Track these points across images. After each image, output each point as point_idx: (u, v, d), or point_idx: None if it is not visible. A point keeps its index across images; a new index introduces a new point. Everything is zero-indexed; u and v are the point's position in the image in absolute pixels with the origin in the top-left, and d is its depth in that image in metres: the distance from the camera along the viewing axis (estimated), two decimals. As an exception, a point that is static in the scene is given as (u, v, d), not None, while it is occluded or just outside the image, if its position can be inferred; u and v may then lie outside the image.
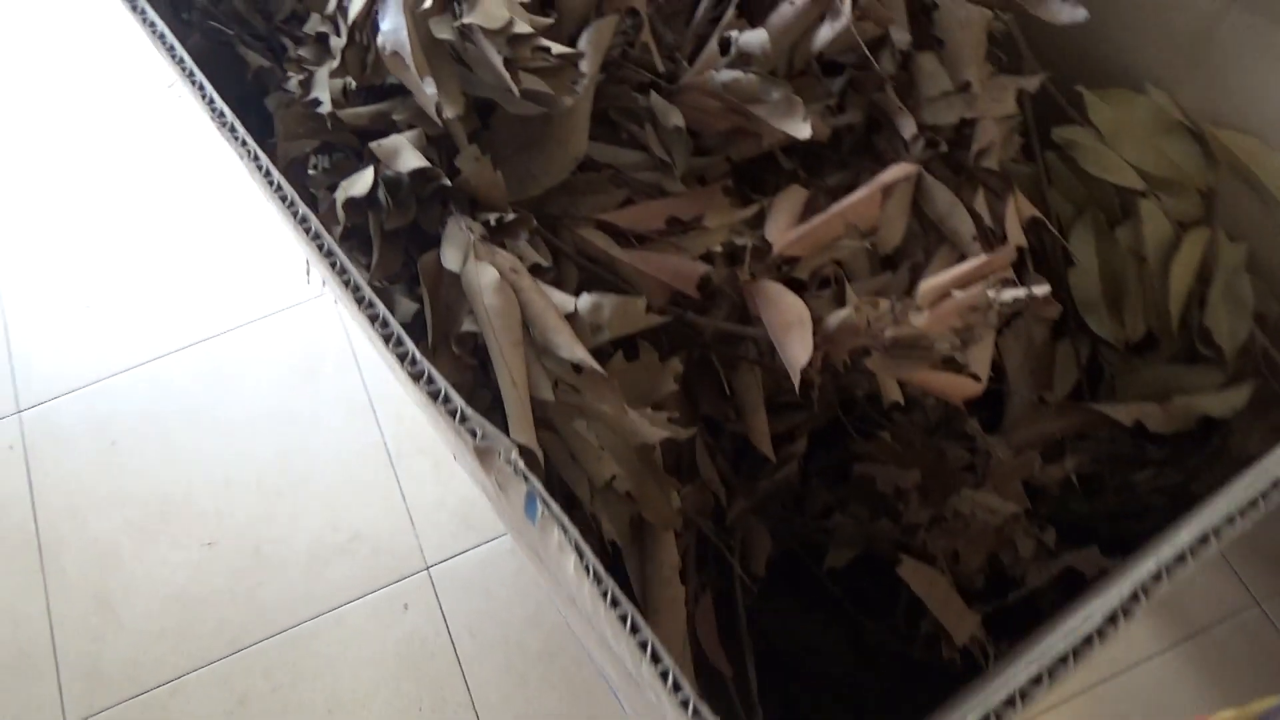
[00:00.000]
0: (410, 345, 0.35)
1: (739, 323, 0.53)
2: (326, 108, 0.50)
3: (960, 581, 0.59)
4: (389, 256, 0.46)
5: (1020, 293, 0.46)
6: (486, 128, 0.52)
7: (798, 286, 0.52)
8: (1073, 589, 0.62)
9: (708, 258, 0.52)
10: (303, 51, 0.55)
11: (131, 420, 1.13)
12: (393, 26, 0.45)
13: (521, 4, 0.46)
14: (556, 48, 0.44)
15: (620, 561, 0.52)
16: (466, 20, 0.43)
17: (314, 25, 0.56)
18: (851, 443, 0.62)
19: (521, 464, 0.32)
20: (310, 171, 0.54)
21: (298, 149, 0.52)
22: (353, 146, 0.54)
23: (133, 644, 1.00)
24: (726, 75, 0.52)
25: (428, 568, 1.04)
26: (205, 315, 1.19)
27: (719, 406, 0.58)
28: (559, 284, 0.52)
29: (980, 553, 0.59)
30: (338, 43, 0.51)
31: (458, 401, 0.33)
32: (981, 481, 0.59)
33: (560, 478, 0.49)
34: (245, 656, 1.00)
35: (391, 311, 0.46)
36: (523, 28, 0.43)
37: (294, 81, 0.54)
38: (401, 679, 0.98)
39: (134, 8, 0.44)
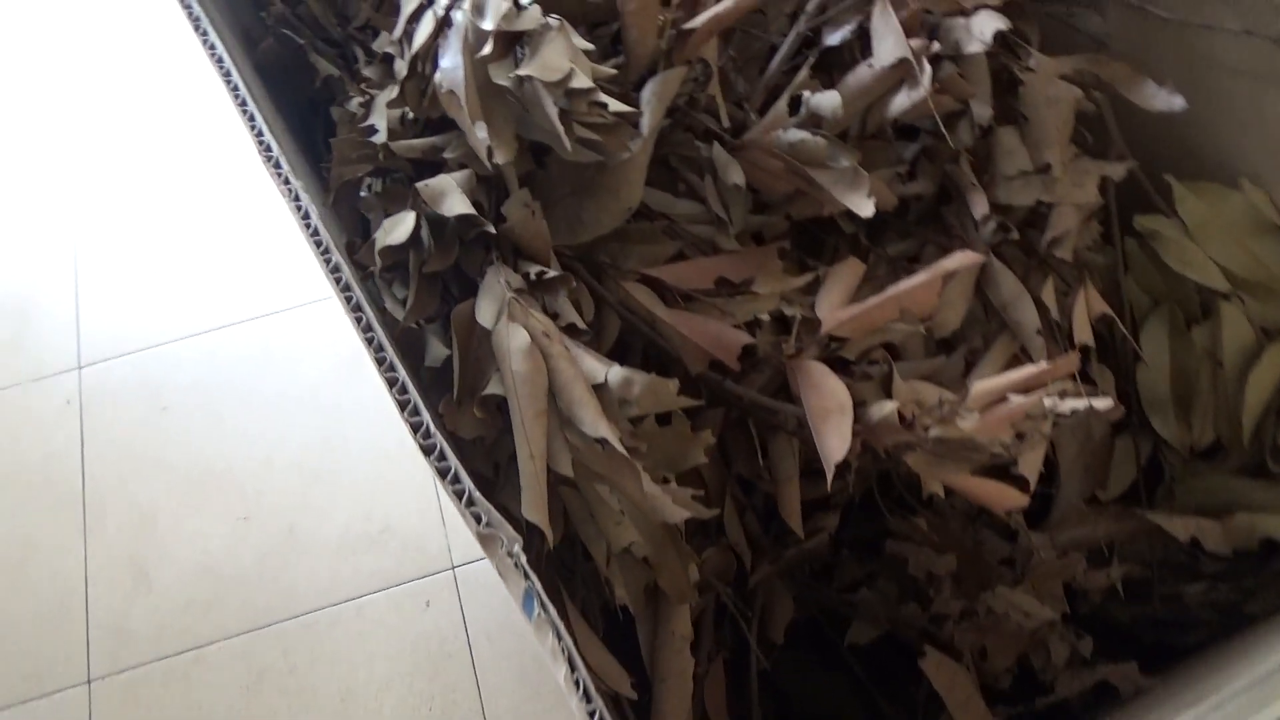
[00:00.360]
0: (425, 415, 0.34)
1: (778, 394, 0.51)
2: (382, 137, 0.49)
3: (985, 679, 0.57)
4: (426, 298, 0.45)
5: (1080, 404, 0.44)
6: (541, 167, 0.51)
7: (844, 363, 0.50)
8: (1104, 697, 0.59)
9: (754, 323, 0.50)
10: (369, 71, 0.55)
11: (183, 388, 1.15)
12: (451, 65, 0.44)
13: (585, 51, 0.45)
14: (614, 105, 0.43)
15: (632, 624, 0.51)
16: (525, 71, 0.41)
17: (383, 44, 0.55)
18: (886, 518, 0.60)
19: (523, 559, 0.31)
20: (363, 194, 0.53)
21: (351, 173, 0.51)
22: (406, 172, 0.53)
23: (161, 609, 1.02)
24: (794, 136, 0.50)
25: (454, 568, 1.03)
26: (262, 293, 1.20)
27: (753, 467, 0.56)
28: (599, 334, 0.50)
29: (1010, 653, 0.56)
30: (400, 68, 0.50)
31: (466, 483, 0.32)
32: (1020, 579, 0.56)
33: (577, 534, 0.48)
34: (267, 634, 1.01)
35: (422, 354, 0.46)
36: (582, 81, 0.41)
37: (355, 102, 0.53)
38: (416, 676, 0.99)
39: (196, 28, 0.43)
